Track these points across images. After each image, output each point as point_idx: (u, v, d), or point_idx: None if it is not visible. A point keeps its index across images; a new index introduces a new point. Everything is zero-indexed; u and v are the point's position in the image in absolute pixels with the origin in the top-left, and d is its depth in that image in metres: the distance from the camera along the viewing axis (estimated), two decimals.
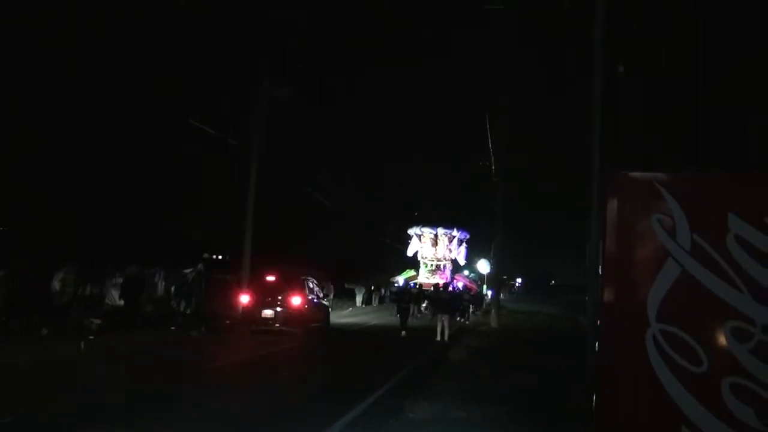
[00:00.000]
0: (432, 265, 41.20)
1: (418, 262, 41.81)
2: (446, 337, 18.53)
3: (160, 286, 20.44)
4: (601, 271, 4.42)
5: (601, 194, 6.55)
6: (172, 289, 20.67)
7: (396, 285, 30.94)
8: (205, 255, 30.95)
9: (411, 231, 41.75)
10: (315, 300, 20.52)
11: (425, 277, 39.11)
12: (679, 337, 3.95)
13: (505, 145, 25.57)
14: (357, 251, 42.33)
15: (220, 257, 36.65)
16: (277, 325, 18.56)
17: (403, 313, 20.76)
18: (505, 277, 67.12)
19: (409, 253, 41.57)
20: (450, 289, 31.49)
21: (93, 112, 24.26)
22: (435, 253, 41.38)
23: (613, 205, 4.32)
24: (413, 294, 27.26)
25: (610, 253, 4.28)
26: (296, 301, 18.93)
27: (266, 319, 18.62)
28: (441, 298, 20.30)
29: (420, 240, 41.63)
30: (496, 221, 27.29)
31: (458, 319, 25.77)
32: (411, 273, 40.92)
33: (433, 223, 41.57)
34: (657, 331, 4.01)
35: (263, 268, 21.99)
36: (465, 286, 35.94)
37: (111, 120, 24.83)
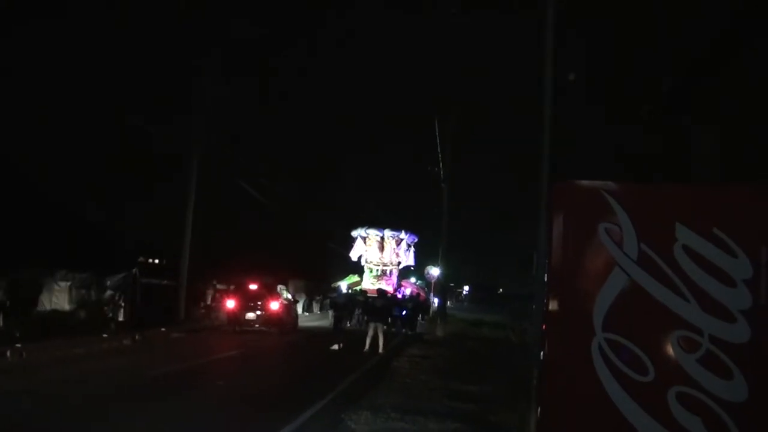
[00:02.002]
0: (377, 270, 39.10)
1: (362, 267, 40.53)
2: (380, 348, 17.57)
3: (92, 291, 19.86)
4: (547, 280, 4.44)
5: (549, 202, 6.62)
6: (105, 294, 20.11)
7: (337, 291, 30.47)
8: (141, 259, 30.15)
9: (355, 233, 39.50)
10: (288, 305, 24.22)
11: (370, 283, 36.94)
12: (625, 347, 3.98)
13: (452, 152, 25.79)
14: (299, 255, 41.45)
15: (156, 261, 35.81)
16: (257, 326, 22.29)
17: (340, 322, 20.40)
18: (452, 284, 67.58)
19: (353, 256, 39.30)
20: (400, 296, 31.21)
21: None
22: (381, 257, 39.27)
23: (559, 213, 4.34)
24: (359, 302, 26.81)
25: (555, 261, 4.30)
26: (274, 306, 22.74)
27: (249, 321, 22.41)
28: (374, 305, 19.29)
29: (365, 243, 39.38)
30: (443, 227, 27.44)
31: (404, 331, 25.46)
32: (354, 278, 38.71)
33: (379, 225, 39.48)
34: (603, 340, 4.04)
35: (226, 275, 26.48)
36: (413, 293, 35.08)
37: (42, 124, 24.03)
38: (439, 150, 25.91)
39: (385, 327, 22.20)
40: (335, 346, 18.31)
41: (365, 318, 19.79)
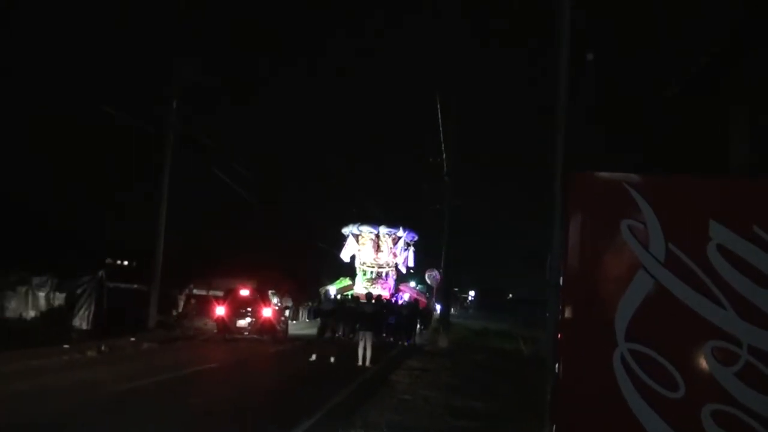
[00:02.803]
0: (372, 272, 38.11)
1: (355, 269, 38.68)
2: (368, 361, 17.37)
3: (52, 297, 19.76)
4: (562, 284, 4.39)
5: (564, 197, 6.57)
6: (67, 299, 20.03)
7: (325, 297, 30.28)
8: (108, 260, 30.07)
9: (346, 230, 38.41)
10: (280, 312, 25.58)
11: (363, 287, 35.73)
12: (652, 359, 3.93)
13: (455, 143, 25.72)
14: (287, 257, 41.18)
15: (126, 263, 35.74)
16: (246, 333, 23.52)
17: (325, 331, 20.30)
18: (456, 289, 67.71)
19: (344, 257, 38.38)
20: (397, 302, 30.97)
21: None
22: (376, 257, 38.18)
23: (576, 209, 4.29)
24: (348, 309, 26.09)
25: (572, 263, 4.25)
26: (267, 312, 23.83)
27: (240, 328, 23.62)
28: (363, 311, 18.91)
29: (358, 241, 38.21)
30: (445, 226, 27.35)
31: (401, 342, 25.23)
32: (345, 282, 37.84)
33: (373, 222, 38.32)
34: (626, 351, 3.99)
35: (227, 279, 27.19)
36: (411, 299, 34.53)
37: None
38: (441, 139, 25.81)
39: (384, 337, 22.16)
40: (314, 357, 18.03)
41: (356, 326, 19.47)
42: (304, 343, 23.89)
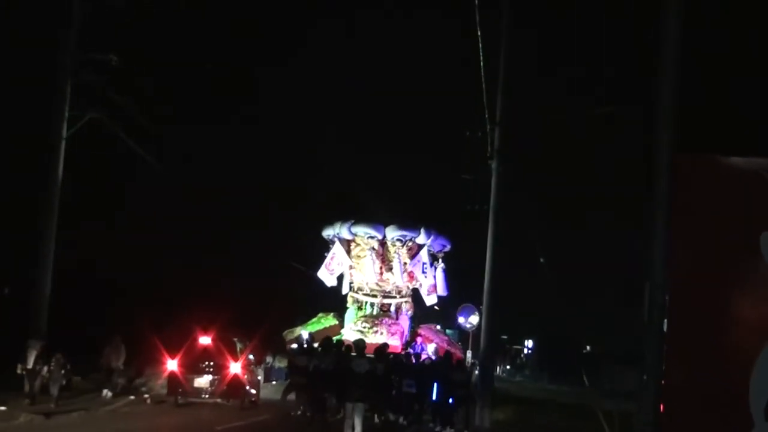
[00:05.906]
0: (374, 304, 34.61)
1: (345, 300, 35.49)
2: None
3: None
4: (667, 331, 4.40)
5: (671, 195, 6.56)
6: None
7: (299, 341, 30.30)
8: None
9: (330, 232, 34.97)
10: (251, 367, 27.20)
11: (358, 329, 32.38)
12: None
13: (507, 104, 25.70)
14: (239, 283, 41.22)
15: None
16: (206, 396, 25.03)
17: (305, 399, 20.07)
18: (504, 338, 67.61)
19: (325, 277, 35.09)
20: (419, 355, 30.45)
21: None
22: (380, 279, 34.53)
23: (688, 214, 4.29)
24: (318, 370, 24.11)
25: (683, 299, 4.25)
26: (236, 368, 25.30)
27: (198, 389, 25.14)
28: (353, 371, 18.34)
29: (349, 252, 34.69)
30: (489, 236, 27.18)
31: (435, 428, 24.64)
32: (328, 321, 34.86)
33: (375, 221, 34.59)
34: None
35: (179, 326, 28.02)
36: (439, 351, 32.44)
37: None
38: (485, 101, 25.74)
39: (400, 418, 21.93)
40: None
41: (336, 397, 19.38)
42: (279, 416, 23.62)
